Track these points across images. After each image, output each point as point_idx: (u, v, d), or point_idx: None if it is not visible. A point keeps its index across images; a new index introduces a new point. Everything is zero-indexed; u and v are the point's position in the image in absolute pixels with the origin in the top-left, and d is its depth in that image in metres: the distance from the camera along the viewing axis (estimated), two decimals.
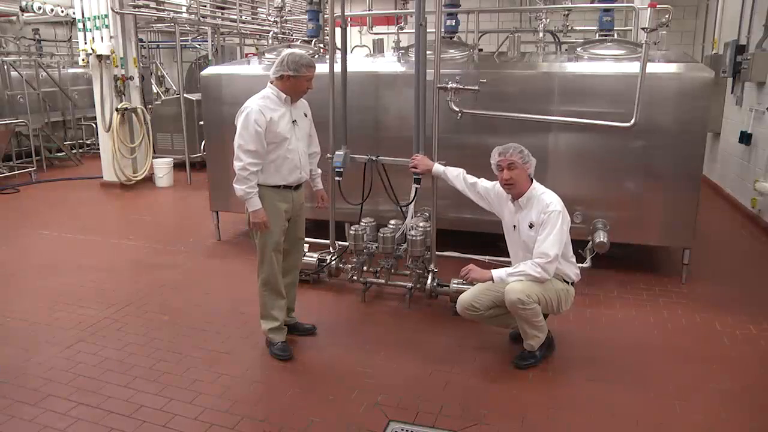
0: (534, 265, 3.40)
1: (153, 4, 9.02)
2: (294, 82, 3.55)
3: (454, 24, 5.70)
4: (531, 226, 3.51)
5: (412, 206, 4.52)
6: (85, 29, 8.26)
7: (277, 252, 3.74)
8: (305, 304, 4.30)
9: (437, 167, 4.06)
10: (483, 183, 3.87)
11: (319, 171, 4.05)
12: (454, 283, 4.29)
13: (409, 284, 4.52)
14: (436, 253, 4.53)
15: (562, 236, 3.42)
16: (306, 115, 3.81)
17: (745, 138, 6.95)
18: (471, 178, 3.92)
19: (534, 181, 3.59)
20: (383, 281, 4.63)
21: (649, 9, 4.01)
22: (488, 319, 3.67)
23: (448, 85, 4.31)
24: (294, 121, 3.66)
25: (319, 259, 4.88)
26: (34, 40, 12.06)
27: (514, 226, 3.65)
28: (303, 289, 4.69)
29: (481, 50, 6.07)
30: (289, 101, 3.63)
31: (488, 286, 3.53)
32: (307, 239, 4.13)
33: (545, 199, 3.49)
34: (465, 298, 3.59)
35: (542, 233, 3.43)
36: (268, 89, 3.61)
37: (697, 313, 4.36)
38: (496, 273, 3.48)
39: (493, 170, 3.63)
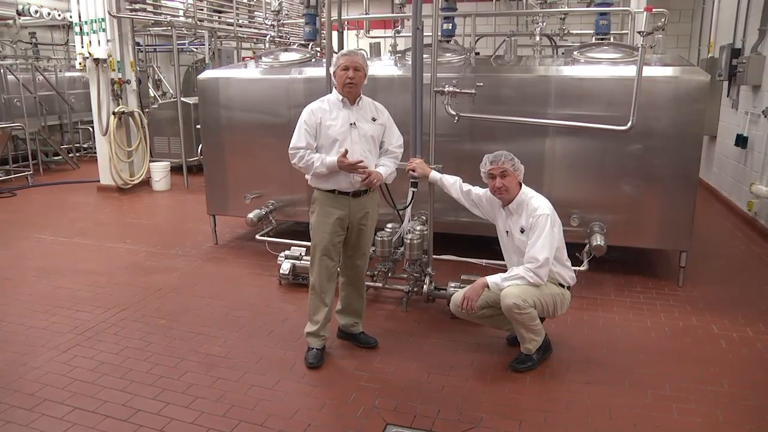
0: (526, 270, 3.41)
1: (150, 8, 9.03)
2: (337, 77, 3.52)
3: (451, 28, 5.72)
4: (522, 230, 3.53)
5: (409, 209, 4.52)
6: (82, 33, 8.26)
7: (328, 258, 3.62)
8: (303, 306, 4.29)
9: (434, 174, 4.06)
10: (476, 190, 3.87)
11: (388, 165, 3.68)
12: (452, 287, 4.29)
13: (407, 287, 4.52)
14: (434, 256, 4.53)
15: (552, 239, 3.42)
16: (374, 120, 3.61)
17: (741, 141, 6.98)
18: (465, 186, 3.93)
19: (523, 185, 3.61)
20: (380, 284, 4.62)
21: (645, 13, 4.02)
22: (481, 318, 3.68)
23: (445, 89, 4.31)
24: (352, 124, 3.52)
25: None
26: (31, 43, 12.02)
27: (507, 231, 3.67)
28: (301, 292, 4.70)
29: (477, 54, 6.08)
30: (348, 102, 3.54)
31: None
32: (303, 243, 4.10)
33: (534, 204, 3.50)
34: (458, 297, 3.59)
35: (532, 237, 3.44)
36: (332, 92, 3.62)
37: (694, 316, 4.37)
38: (491, 279, 3.49)
39: (483, 178, 3.65)
